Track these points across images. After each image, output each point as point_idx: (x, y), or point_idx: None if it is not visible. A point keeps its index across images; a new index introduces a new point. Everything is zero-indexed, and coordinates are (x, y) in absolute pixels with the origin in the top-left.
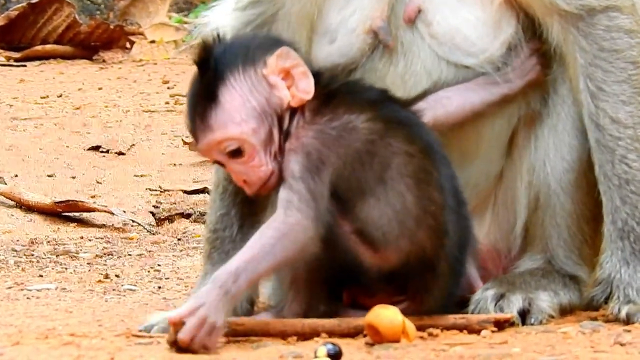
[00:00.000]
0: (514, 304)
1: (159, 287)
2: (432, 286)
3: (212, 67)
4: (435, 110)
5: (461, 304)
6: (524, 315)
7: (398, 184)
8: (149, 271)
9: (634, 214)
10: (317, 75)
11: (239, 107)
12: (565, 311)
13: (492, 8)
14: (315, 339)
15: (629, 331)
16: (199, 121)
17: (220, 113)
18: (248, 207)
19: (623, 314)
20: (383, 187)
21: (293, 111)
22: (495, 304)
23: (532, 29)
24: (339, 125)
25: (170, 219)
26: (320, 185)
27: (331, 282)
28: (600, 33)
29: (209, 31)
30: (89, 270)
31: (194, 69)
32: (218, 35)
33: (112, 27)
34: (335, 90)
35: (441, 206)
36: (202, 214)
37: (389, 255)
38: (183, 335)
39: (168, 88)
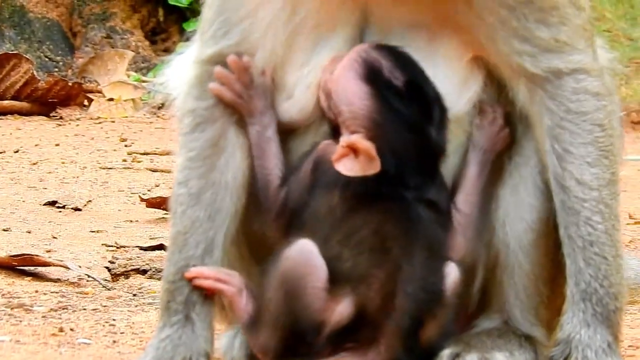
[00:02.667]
0: None
1: (114, 342)
2: (375, 342)
3: None
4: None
5: None
6: None
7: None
8: (103, 325)
9: (597, 275)
10: None
11: None
12: None
13: (460, 66)
14: None
15: None
16: None
17: None
18: (207, 261)
19: None
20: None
21: None
22: None
23: (499, 89)
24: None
25: (126, 274)
26: None
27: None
28: (567, 95)
29: (167, 86)
30: (44, 324)
31: (151, 127)
32: None
33: (70, 84)
34: None
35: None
36: (158, 270)
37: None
38: None
39: (125, 146)
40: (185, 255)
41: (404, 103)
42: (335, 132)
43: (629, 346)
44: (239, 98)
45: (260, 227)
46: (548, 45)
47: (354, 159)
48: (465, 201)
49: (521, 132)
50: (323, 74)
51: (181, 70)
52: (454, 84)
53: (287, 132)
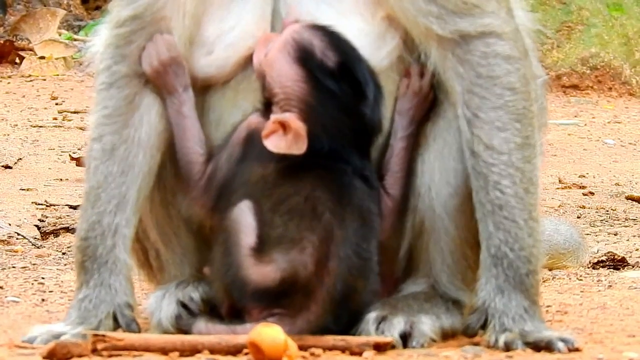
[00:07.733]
0: (396, 326)
1: (43, 300)
2: (305, 308)
3: None
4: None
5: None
6: (405, 339)
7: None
8: (32, 284)
9: (507, 240)
10: None
11: None
12: (447, 335)
13: (374, 22)
14: (197, 355)
15: (510, 357)
16: None
17: None
18: (120, 217)
19: (501, 343)
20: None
21: None
22: (377, 327)
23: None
24: None
25: (55, 233)
26: None
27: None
28: (476, 59)
29: (93, 52)
30: None
31: (81, 85)
32: None
33: (1, 42)
34: None
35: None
36: None
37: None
38: None
39: (56, 104)
40: (97, 211)
41: (336, 84)
42: (266, 109)
43: (557, 311)
44: (157, 74)
45: (186, 210)
46: (455, 7)
47: (282, 135)
48: (393, 183)
49: (443, 96)
50: (256, 54)
51: (102, 31)
52: (370, 38)
53: (205, 88)
